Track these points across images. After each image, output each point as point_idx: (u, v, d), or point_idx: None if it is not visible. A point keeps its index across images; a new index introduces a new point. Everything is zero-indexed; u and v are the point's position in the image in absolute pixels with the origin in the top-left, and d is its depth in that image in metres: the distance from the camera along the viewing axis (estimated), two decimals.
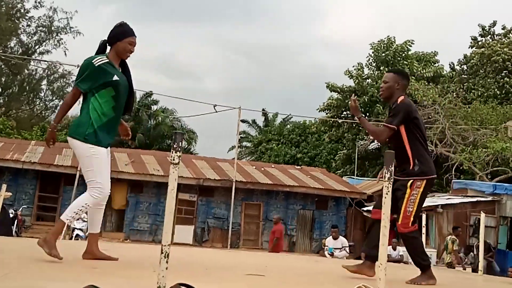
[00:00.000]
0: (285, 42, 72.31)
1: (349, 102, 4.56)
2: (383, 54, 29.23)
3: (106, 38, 4.05)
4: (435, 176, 4.35)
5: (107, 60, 3.95)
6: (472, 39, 30.76)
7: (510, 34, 29.65)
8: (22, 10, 33.25)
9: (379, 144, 26.18)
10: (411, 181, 4.16)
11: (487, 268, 12.81)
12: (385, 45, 29.59)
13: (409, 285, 4.17)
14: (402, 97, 4.30)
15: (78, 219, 15.52)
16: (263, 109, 34.65)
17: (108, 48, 4.06)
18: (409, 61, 28.80)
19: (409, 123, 4.21)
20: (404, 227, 4.18)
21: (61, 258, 3.61)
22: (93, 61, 3.91)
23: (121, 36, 4.01)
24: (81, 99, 4.01)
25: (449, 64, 31.91)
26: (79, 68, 4.00)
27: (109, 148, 4.03)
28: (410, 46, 29.83)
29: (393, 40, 29.78)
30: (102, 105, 3.89)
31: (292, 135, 35.29)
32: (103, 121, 3.89)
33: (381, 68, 28.56)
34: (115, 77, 3.94)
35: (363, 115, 4.45)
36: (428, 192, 4.31)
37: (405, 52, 29.65)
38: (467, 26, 61.57)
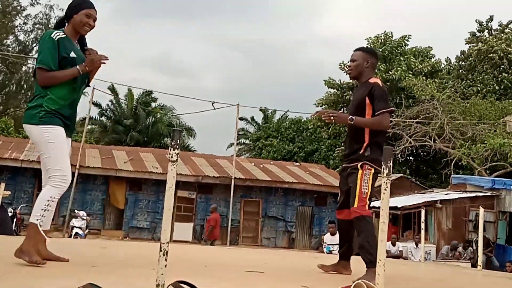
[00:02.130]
0: (282, 38, 72.29)
1: (328, 119, 4.07)
2: (380, 50, 29.21)
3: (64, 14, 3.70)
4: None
5: (65, 35, 3.56)
6: (470, 34, 30.73)
7: (507, 30, 29.64)
8: (18, 8, 33.15)
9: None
10: (361, 163, 3.94)
11: (486, 263, 12.83)
12: (382, 40, 29.55)
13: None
14: (377, 80, 4.09)
15: (77, 218, 15.57)
16: (260, 107, 34.67)
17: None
18: (406, 56, 28.78)
19: None
20: (361, 209, 3.84)
21: (44, 263, 3.31)
22: (51, 35, 3.50)
23: (77, 8, 3.63)
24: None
25: (445, 60, 31.93)
26: (39, 43, 3.54)
27: (69, 139, 3.65)
28: (407, 41, 29.80)
29: (390, 35, 29.75)
30: (58, 88, 3.48)
31: (289, 131, 35.33)
32: (60, 105, 3.48)
33: (378, 63, 28.53)
34: (72, 54, 3.54)
35: (353, 117, 3.98)
36: (374, 183, 3.95)
37: (402, 47, 29.61)
38: (461, 20, 61.59)
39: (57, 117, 3.46)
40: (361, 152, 3.98)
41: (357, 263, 4.13)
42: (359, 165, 3.95)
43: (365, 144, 3.99)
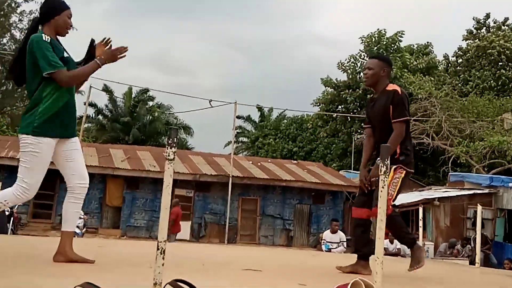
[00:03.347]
0: (280, 37, 72.29)
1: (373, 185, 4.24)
2: (375, 48, 29.23)
3: (39, 15, 3.54)
4: (413, 172, 4.30)
5: (51, 37, 3.43)
6: (468, 32, 30.75)
7: (504, 26, 29.69)
8: (13, 5, 33.01)
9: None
10: (395, 166, 4.07)
11: (484, 260, 12.84)
12: (375, 38, 29.57)
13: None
14: (396, 87, 4.27)
15: None
16: (257, 105, 34.64)
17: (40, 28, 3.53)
18: (400, 54, 28.80)
19: None
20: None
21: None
22: (43, 38, 3.36)
23: (59, 9, 3.48)
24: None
25: (443, 56, 31.97)
26: (33, 50, 3.34)
27: (76, 138, 3.59)
28: (401, 37, 29.83)
29: (383, 33, 29.78)
30: (55, 89, 3.38)
31: (289, 130, 35.27)
32: (57, 107, 3.40)
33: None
34: (65, 54, 3.49)
35: (368, 167, 4.32)
36: (404, 185, 4.18)
37: (397, 44, 29.65)
38: (458, 17, 61.66)
39: (53, 124, 3.40)
40: (396, 157, 4.13)
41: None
42: (392, 169, 4.06)
43: (398, 150, 4.16)
